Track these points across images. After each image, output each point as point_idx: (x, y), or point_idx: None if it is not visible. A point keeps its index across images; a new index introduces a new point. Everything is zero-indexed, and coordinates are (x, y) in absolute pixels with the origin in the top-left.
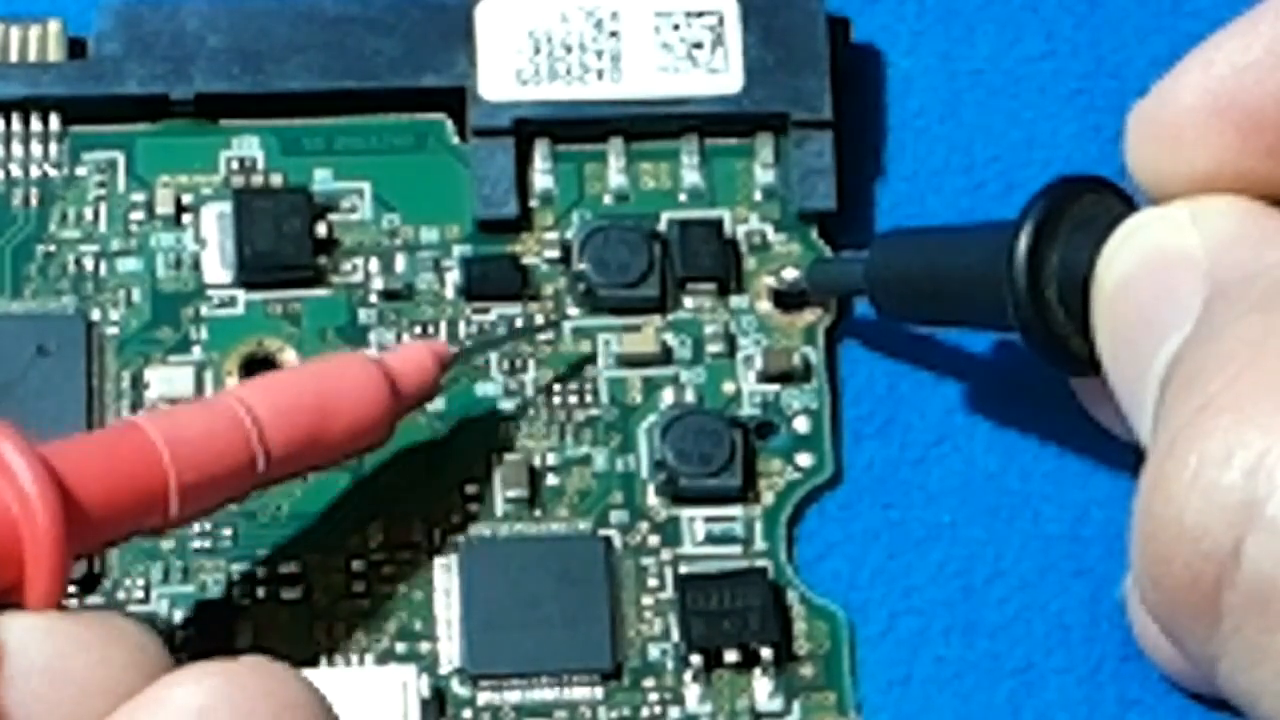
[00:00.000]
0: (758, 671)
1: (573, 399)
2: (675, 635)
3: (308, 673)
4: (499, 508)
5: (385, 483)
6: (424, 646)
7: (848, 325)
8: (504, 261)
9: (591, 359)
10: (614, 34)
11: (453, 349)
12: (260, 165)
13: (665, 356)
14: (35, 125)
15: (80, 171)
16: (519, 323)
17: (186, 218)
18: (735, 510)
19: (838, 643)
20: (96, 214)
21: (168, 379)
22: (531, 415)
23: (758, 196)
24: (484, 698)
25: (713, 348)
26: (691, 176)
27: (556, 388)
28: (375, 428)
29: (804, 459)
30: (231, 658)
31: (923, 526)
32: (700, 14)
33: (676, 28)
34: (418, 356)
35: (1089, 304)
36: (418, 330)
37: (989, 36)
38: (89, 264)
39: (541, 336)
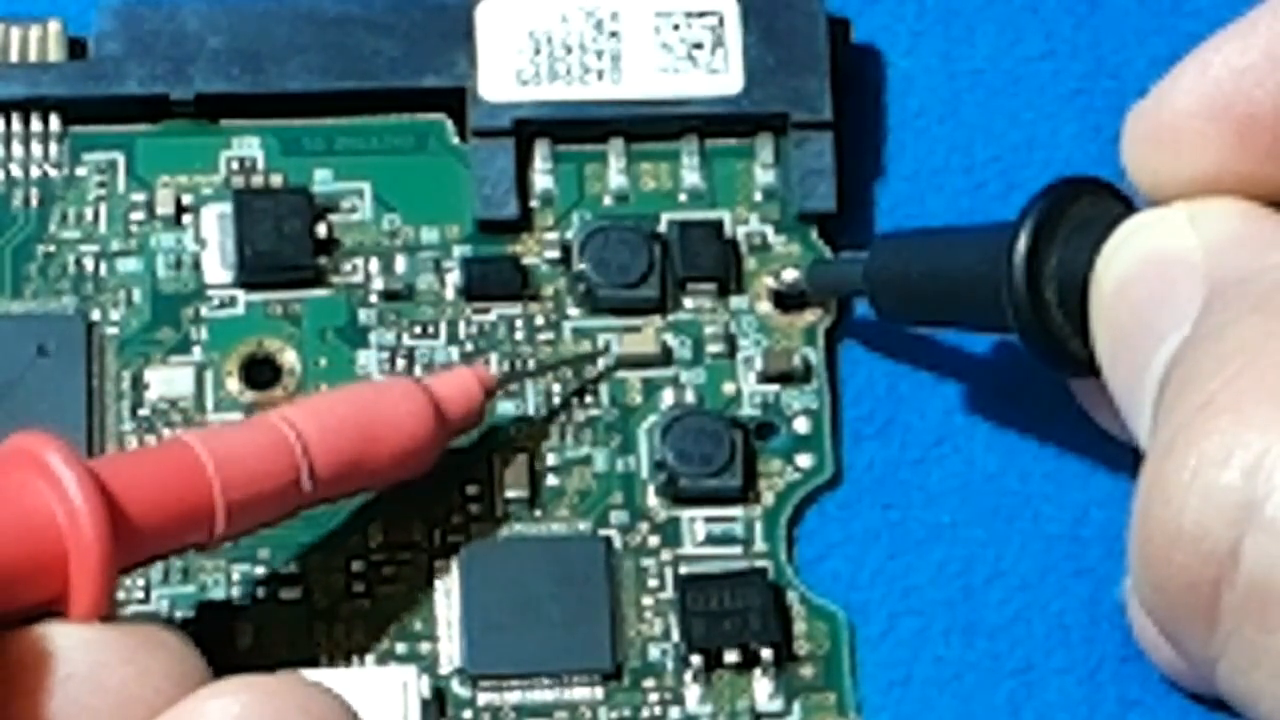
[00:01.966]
0: (758, 672)
1: (573, 399)
2: (675, 636)
3: (307, 673)
4: (499, 508)
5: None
6: (424, 647)
7: (848, 326)
8: (504, 262)
9: (594, 359)
10: (614, 34)
11: (496, 375)
12: (260, 165)
13: (665, 357)
14: (35, 125)
15: (80, 172)
16: (519, 324)
17: (187, 218)
18: (735, 511)
19: (838, 643)
20: (97, 214)
21: (168, 380)
22: (532, 415)
23: (758, 197)
24: (484, 698)
25: (713, 348)
26: (691, 177)
27: (556, 388)
28: (420, 453)
29: (804, 459)
30: (267, 673)
31: (923, 527)
32: (700, 14)
33: (676, 28)
34: (464, 382)
35: (1088, 305)
36: (418, 330)
37: (989, 36)
38: (89, 264)
39: (541, 337)
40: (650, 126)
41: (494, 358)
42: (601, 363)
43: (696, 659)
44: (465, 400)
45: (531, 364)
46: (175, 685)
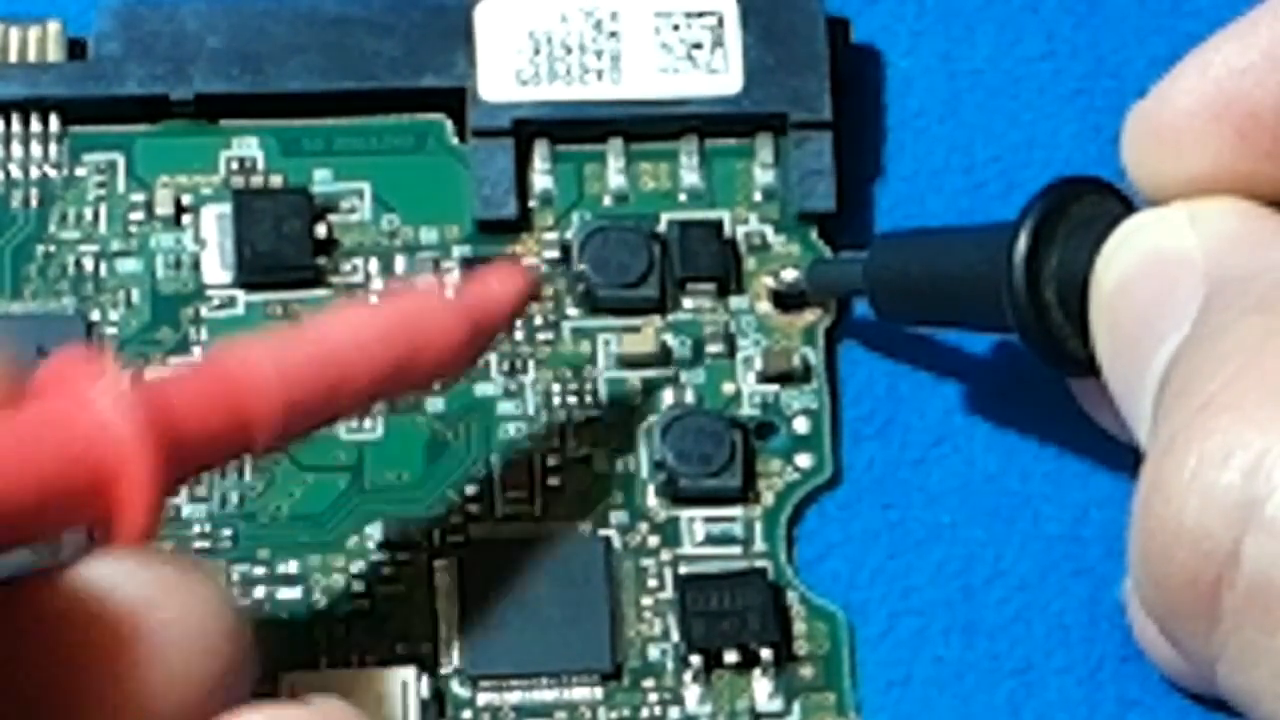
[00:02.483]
0: (757, 672)
1: (572, 399)
2: (675, 636)
3: (308, 673)
4: (499, 508)
5: (385, 483)
6: (424, 647)
7: (847, 326)
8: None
9: (592, 359)
10: (614, 34)
11: (535, 278)
12: (260, 166)
13: (665, 357)
14: (35, 126)
15: (80, 172)
16: (518, 324)
17: (186, 218)
18: (735, 511)
19: (837, 643)
20: (96, 215)
21: None
22: (531, 415)
23: (757, 197)
24: (484, 698)
25: (712, 348)
26: (691, 177)
27: (556, 388)
28: (458, 350)
29: (804, 459)
30: (302, 699)
31: (923, 527)
32: (700, 14)
33: (676, 28)
34: (498, 281)
35: (1087, 305)
36: None
37: (989, 36)
38: (89, 265)
39: (541, 337)
40: (650, 126)
41: (493, 358)
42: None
43: (696, 659)
44: (500, 296)
45: (603, 363)
46: (216, 623)
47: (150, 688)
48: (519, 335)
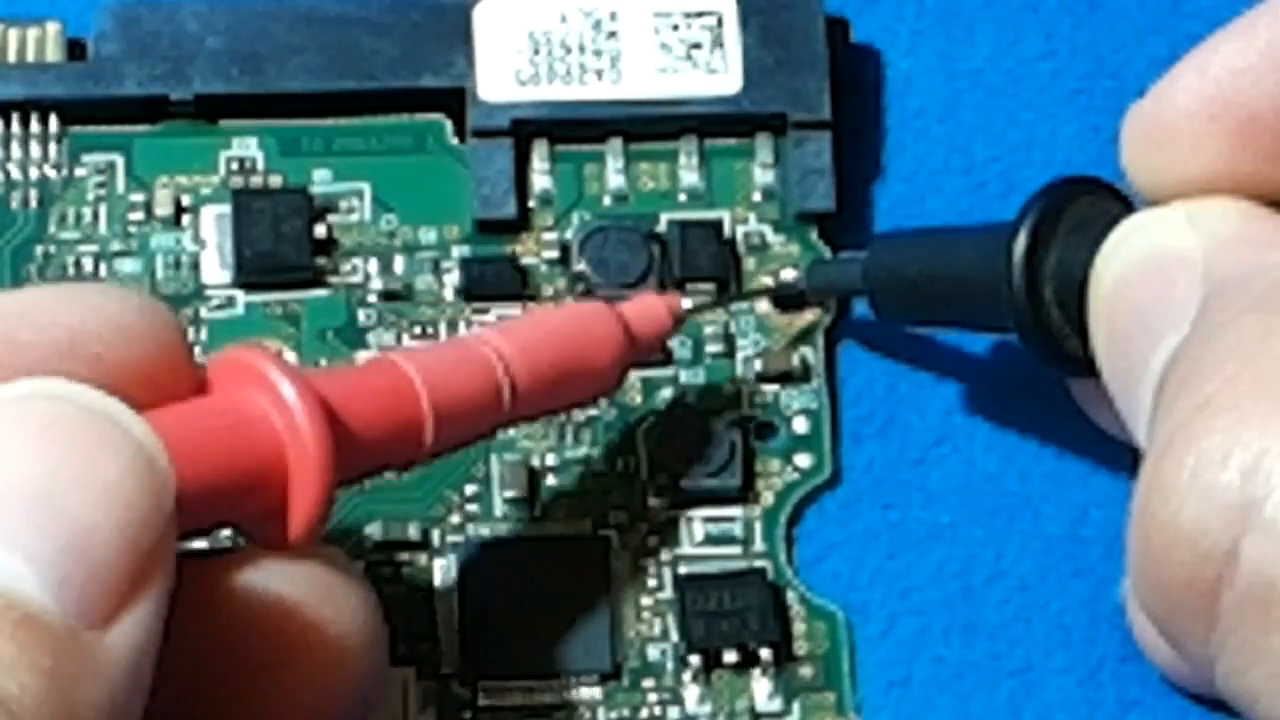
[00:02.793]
0: (757, 672)
1: None
2: (674, 636)
3: None
4: (498, 508)
5: (385, 483)
6: (423, 647)
7: (847, 326)
8: (503, 262)
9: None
10: (613, 35)
11: (685, 304)
12: (259, 166)
13: (665, 357)
14: (35, 126)
15: (79, 172)
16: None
17: (186, 219)
18: (734, 511)
19: (837, 643)
20: (96, 215)
21: None
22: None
23: (757, 197)
24: (483, 698)
25: (712, 348)
26: (690, 177)
27: None
28: (609, 374)
29: (803, 459)
30: None
31: (923, 527)
32: (699, 14)
33: (675, 28)
34: (653, 308)
35: (1086, 305)
36: (417, 331)
37: (989, 36)
38: (88, 265)
39: None
40: (649, 126)
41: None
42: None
43: (695, 659)
44: (654, 325)
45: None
46: (363, 626)
47: (309, 682)
48: None
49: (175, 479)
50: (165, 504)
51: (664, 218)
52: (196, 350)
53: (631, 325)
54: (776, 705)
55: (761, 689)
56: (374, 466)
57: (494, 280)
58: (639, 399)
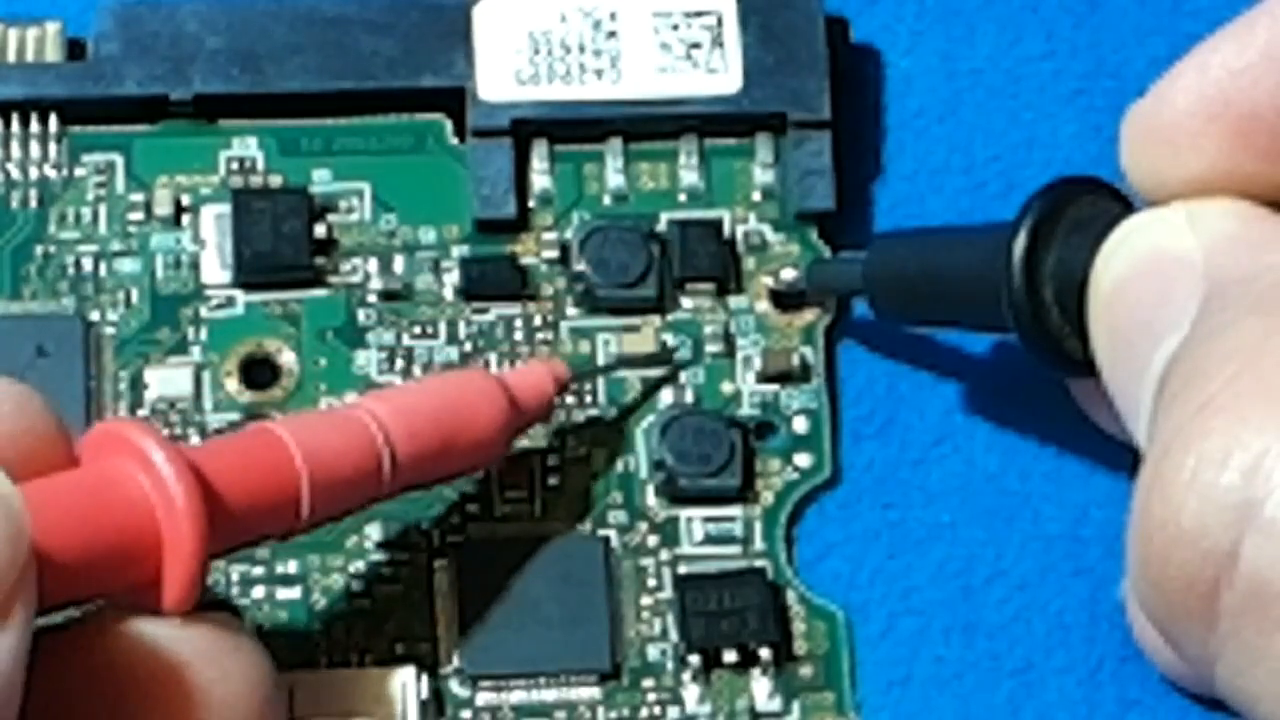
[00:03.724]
0: (756, 672)
1: (571, 399)
2: (674, 635)
3: (307, 673)
4: (498, 508)
5: None
6: (423, 647)
7: (847, 325)
8: (503, 262)
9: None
10: (612, 34)
11: (570, 371)
12: (259, 166)
13: (665, 357)
14: (34, 126)
15: (79, 172)
16: (518, 324)
17: (185, 218)
18: (734, 510)
19: (837, 643)
20: (95, 215)
21: (166, 380)
22: None
23: (756, 197)
24: (483, 698)
25: (712, 348)
26: (690, 177)
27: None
28: (494, 444)
29: (803, 459)
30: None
31: (923, 527)
32: (699, 14)
33: (675, 28)
34: (537, 377)
35: (1086, 305)
36: (417, 331)
37: (989, 36)
38: (88, 265)
39: (541, 337)
40: (649, 126)
41: (493, 358)
42: (675, 358)
43: (695, 659)
44: (538, 394)
45: (602, 361)
46: (251, 689)
47: None
48: (519, 335)
49: (31, 523)
50: (20, 547)
51: (664, 217)
52: (197, 350)
53: (515, 392)
54: (776, 705)
55: (761, 689)
56: (251, 536)
57: (494, 280)
58: (639, 399)
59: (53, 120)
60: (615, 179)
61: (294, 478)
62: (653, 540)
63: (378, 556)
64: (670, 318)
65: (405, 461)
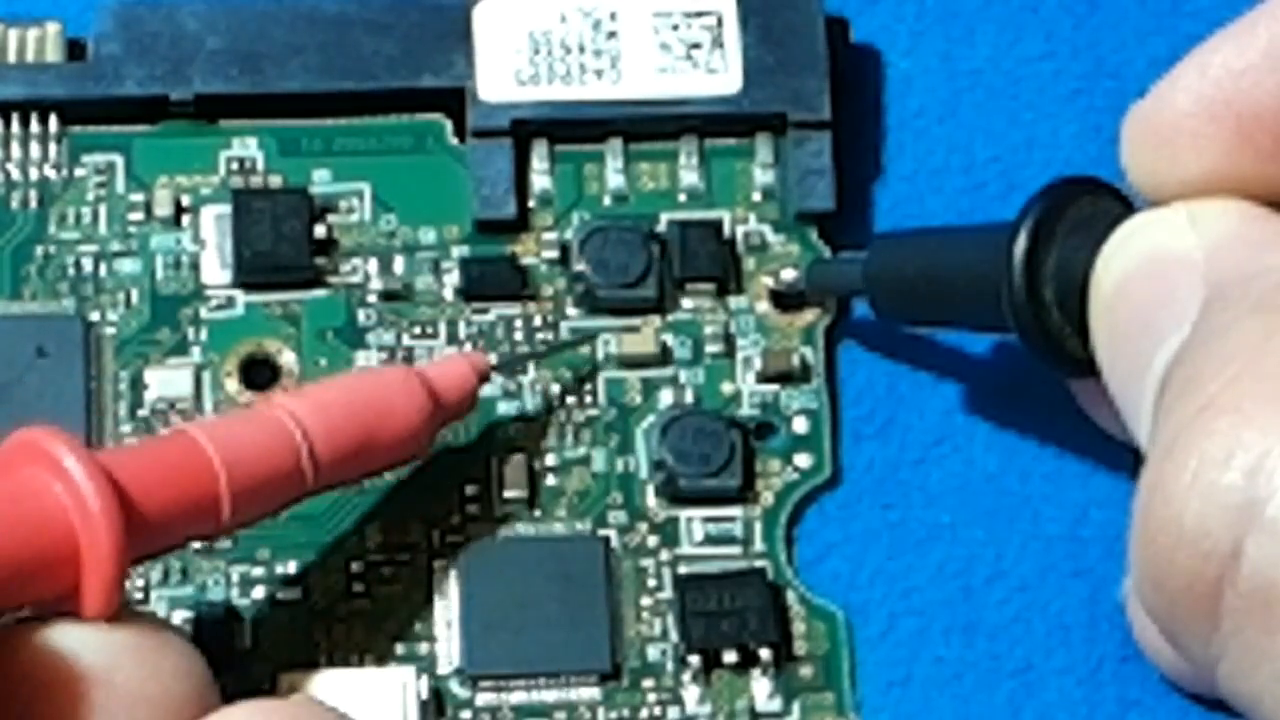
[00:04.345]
0: (756, 672)
1: (571, 399)
2: (674, 636)
3: (307, 673)
4: (498, 508)
5: (385, 483)
6: (423, 647)
7: (847, 326)
8: (503, 262)
9: (586, 344)
10: (612, 34)
11: (490, 361)
12: (259, 166)
13: (664, 357)
14: (34, 127)
15: (79, 173)
16: (518, 324)
17: (185, 219)
18: (734, 511)
19: (837, 643)
20: (95, 215)
21: (167, 380)
22: (531, 415)
23: (757, 197)
24: (483, 698)
25: (712, 348)
26: (690, 177)
27: (555, 388)
28: (416, 438)
29: (803, 459)
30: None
31: (923, 527)
32: (699, 14)
33: (675, 28)
34: (457, 369)
35: (1087, 306)
36: (417, 331)
37: (989, 36)
38: (88, 265)
39: (540, 337)
40: (649, 126)
41: (492, 358)
42: (599, 352)
43: (695, 659)
44: (460, 385)
45: (525, 350)
46: (183, 685)
47: None
48: (519, 335)
49: None
50: None
51: (664, 218)
52: (197, 351)
53: (435, 386)
54: (776, 705)
55: (761, 689)
56: (173, 540)
57: (494, 280)
58: (639, 399)
59: (53, 120)
60: (615, 179)
61: (212, 479)
62: (653, 540)
63: (378, 556)
64: (670, 318)
65: (326, 458)
